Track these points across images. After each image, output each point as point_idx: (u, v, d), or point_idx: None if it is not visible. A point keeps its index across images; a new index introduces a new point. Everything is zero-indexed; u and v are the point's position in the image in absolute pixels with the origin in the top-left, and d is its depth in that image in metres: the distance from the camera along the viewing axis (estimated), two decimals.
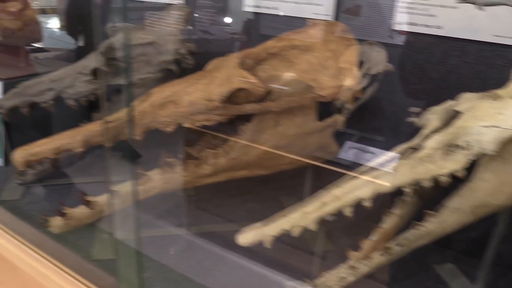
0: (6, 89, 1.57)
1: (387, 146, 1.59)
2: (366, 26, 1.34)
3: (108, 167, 1.22)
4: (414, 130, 1.45)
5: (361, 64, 1.25)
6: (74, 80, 1.38)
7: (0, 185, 1.51)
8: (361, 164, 1.57)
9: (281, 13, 1.37)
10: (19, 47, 1.91)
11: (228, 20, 1.46)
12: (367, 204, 0.91)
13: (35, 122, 1.53)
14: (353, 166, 1.53)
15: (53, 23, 2.27)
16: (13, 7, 1.59)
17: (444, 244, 1.18)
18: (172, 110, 1.11)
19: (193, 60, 1.41)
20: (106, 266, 1.16)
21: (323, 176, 1.38)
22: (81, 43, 2.05)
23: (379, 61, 1.26)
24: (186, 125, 1.13)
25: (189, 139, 1.26)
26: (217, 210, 1.43)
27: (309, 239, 1.20)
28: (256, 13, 1.42)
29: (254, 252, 1.29)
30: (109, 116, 1.43)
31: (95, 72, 1.37)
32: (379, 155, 1.59)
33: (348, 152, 1.42)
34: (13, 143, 1.58)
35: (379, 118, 1.54)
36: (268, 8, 1.39)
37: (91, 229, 1.26)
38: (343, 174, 1.16)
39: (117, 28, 2.02)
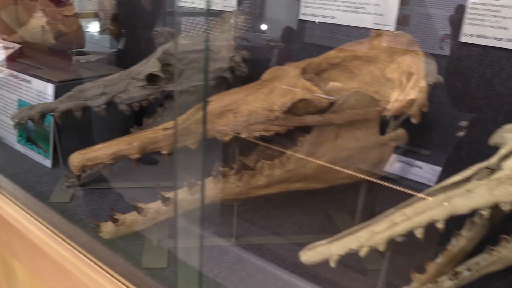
0: (57, 92, 1.59)
1: (434, 160, 1.53)
2: (416, 36, 1.29)
3: (161, 173, 1.22)
4: (462, 144, 1.38)
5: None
6: (127, 85, 1.38)
7: (48, 187, 1.52)
8: (409, 179, 1.52)
9: (339, 23, 1.34)
10: (64, 51, 1.94)
11: (283, 28, 1.44)
12: (440, 226, 0.86)
13: (80, 124, 1.54)
14: (400, 180, 1.48)
15: (92, 27, 2.30)
16: (69, 11, 1.60)
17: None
18: (230, 119, 1.09)
19: (247, 68, 1.38)
20: (156, 275, 1.14)
21: (374, 191, 1.34)
22: (121, 46, 2.06)
23: (430, 72, 1.21)
24: (244, 135, 1.10)
25: (243, 149, 1.23)
26: (264, 221, 1.40)
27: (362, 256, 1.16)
28: (311, 22, 1.39)
29: (304, 268, 1.25)
30: (165, 122, 1.42)
31: (149, 78, 1.37)
32: (427, 169, 1.53)
33: (395, 165, 1.37)
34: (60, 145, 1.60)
35: (427, 130, 1.48)
36: (325, 17, 1.36)
37: (141, 236, 1.25)
38: (395, 189, 1.11)
39: (161, 33, 2.03)
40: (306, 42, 1.44)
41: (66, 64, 1.96)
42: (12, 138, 1.80)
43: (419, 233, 0.86)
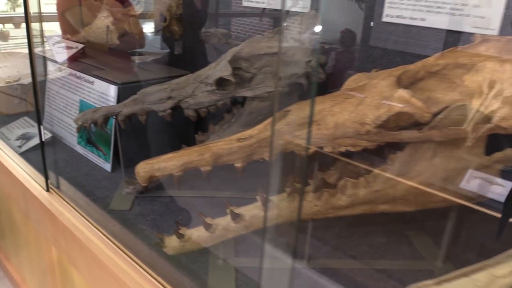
0: (120, 94, 1.54)
1: None
2: None
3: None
4: None
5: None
6: (195, 90, 1.30)
7: (108, 192, 1.46)
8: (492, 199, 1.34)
9: (430, 26, 1.20)
10: (124, 51, 1.90)
11: (363, 31, 1.31)
12: None
13: (141, 128, 1.47)
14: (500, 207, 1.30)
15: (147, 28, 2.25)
16: (135, 11, 1.55)
17: None
18: (313, 132, 0.97)
19: (324, 73, 1.27)
20: None
21: (464, 214, 1.18)
22: (177, 48, 1.99)
23: None
24: (327, 149, 0.99)
25: (322, 164, 1.12)
26: (336, 241, 1.27)
27: None
28: (396, 25, 1.26)
29: None
30: (233, 129, 1.33)
31: (219, 82, 1.28)
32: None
33: (497, 190, 1.20)
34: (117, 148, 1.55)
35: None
36: (413, 19, 1.22)
37: (206, 251, 1.16)
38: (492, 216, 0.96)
39: (211, 33, 1.95)
40: (388, 47, 1.30)
41: (127, 64, 1.92)
42: (72, 139, 1.77)
43: None
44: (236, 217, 1.07)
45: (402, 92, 0.93)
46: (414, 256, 1.25)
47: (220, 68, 1.27)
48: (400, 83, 0.98)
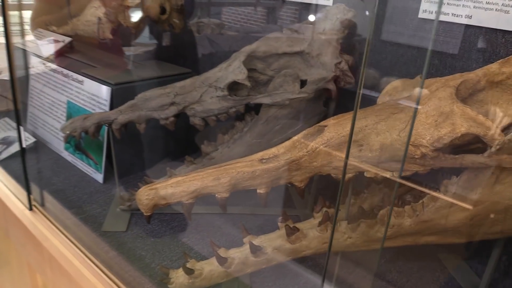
0: (113, 96, 1.35)
1: None
2: None
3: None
4: None
5: None
6: (203, 95, 1.12)
7: (101, 208, 1.28)
8: None
9: (475, 24, 1.03)
10: (117, 45, 1.70)
11: (397, 28, 1.14)
12: None
13: (136, 135, 1.28)
14: None
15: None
16: (131, 2, 1.36)
17: None
18: (354, 154, 0.81)
19: (354, 78, 1.10)
20: None
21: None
22: (166, 40, 1.80)
23: None
24: (369, 174, 0.82)
25: (357, 187, 0.96)
26: (363, 267, 1.12)
27: None
28: (437, 22, 1.09)
29: None
30: (245, 140, 1.16)
31: (231, 87, 1.10)
32: None
33: None
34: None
35: None
36: (456, 16, 1.06)
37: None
38: None
39: (203, 24, 1.75)
40: (425, 46, 1.14)
41: (120, 61, 1.72)
42: (59, 144, 1.58)
43: None
44: (256, 250, 0.91)
45: (465, 108, 0.76)
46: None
47: (233, 70, 1.09)
48: (458, 95, 0.81)
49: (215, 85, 1.11)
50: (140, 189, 0.86)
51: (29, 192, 1.22)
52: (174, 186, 0.85)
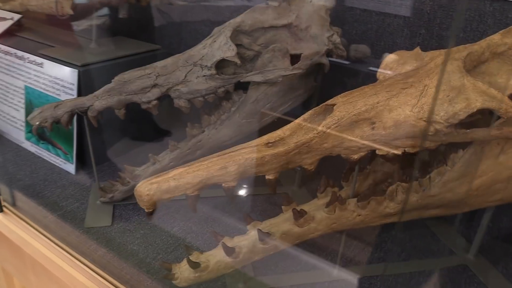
0: (81, 79, 1.23)
1: None
2: None
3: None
4: None
5: None
6: (188, 74, 1.04)
7: (78, 202, 1.18)
8: None
9: None
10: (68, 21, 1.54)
11: None
12: None
13: (109, 118, 1.18)
14: None
15: None
16: None
17: None
18: (366, 132, 0.78)
19: (345, 50, 1.06)
20: None
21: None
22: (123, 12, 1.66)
23: None
24: (381, 152, 0.80)
25: (360, 163, 0.93)
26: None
27: None
28: None
29: None
30: (233, 120, 1.10)
31: (218, 65, 1.03)
32: None
33: None
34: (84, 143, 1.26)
35: None
36: None
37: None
38: None
39: None
40: (413, 21, 1.11)
41: (79, 39, 1.56)
42: (18, 134, 1.43)
43: None
44: (264, 237, 0.87)
45: (478, 83, 0.75)
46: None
47: (219, 46, 1.02)
48: (464, 67, 0.80)
49: (200, 64, 1.03)
50: (140, 184, 0.79)
51: None
52: (178, 178, 0.78)
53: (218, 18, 1.49)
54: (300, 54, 1.05)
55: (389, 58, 0.92)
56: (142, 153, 1.45)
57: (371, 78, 0.93)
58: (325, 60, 1.02)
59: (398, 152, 0.80)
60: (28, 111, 1.38)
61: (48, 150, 1.36)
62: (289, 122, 1.20)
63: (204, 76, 1.03)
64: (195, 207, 0.81)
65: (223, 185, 0.80)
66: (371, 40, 1.19)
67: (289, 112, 1.13)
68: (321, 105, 0.83)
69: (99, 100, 1.04)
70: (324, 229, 0.90)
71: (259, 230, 0.87)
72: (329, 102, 0.82)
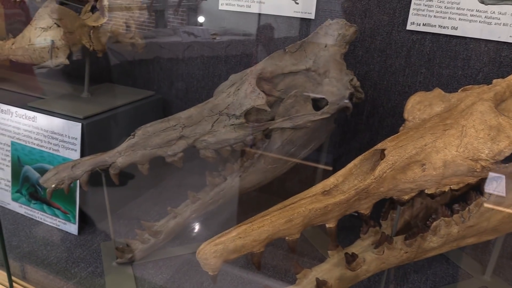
0: (86, 131, 1.15)
1: None
2: None
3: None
4: None
5: None
6: (214, 124, 1.02)
7: (91, 267, 1.09)
8: None
9: (461, 35, 1.12)
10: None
11: (381, 41, 1.17)
12: None
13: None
14: None
15: None
16: (95, 20, 1.16)
17: None
18: (418, 174, 0.82)
19: (363, 93, 1.11)
20: None
21: None
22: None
23: None
24: (430, 191, 0.84)
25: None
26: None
27: None
28: (421, 34, 1.15)
29: None
30: (256, 167, 1.09)
31: (248, 113, 1.02)
32: None
33: None
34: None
35: None
36: (442, 27, 1.13)
37: None
38: None
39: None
40: (415, 61, 1.19)
41: (65, 88, 1.46)
42: (3, 194, 1.29)
43: None
44: (322, 285, 0.87)
45: (510, 120, 0.83)
46: None
47: (246, 95, 1.01)
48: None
49: (226, 113, 1.02)
50: (202, 247, 0.75)
51: (9, 272, 0.98)
52: (243, 236, 0.76)
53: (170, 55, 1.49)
54: (321, 98, 1.08)
55: (413, 100, 0.97)
56: (144, 204, 1.39)
57: None
58: (349, 104, 1.06)
59: (445, 189, 0.85)
60: (15, 169, 1.27)
61: (43, 211, 1.25)
62: (310, 165, 1.22)
63: (232, 125, 1.02)
64: (259, 264, 0.79)
65: (287, 238, 0.79)
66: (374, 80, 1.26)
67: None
68: (370, 150, 0.85)
69: (122, 157, 0.98)
70: (374, 270, 0.91)
71: (318, 279, 0.87)
72: (378, 146, 0.85)
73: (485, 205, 0.90)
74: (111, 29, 1.18)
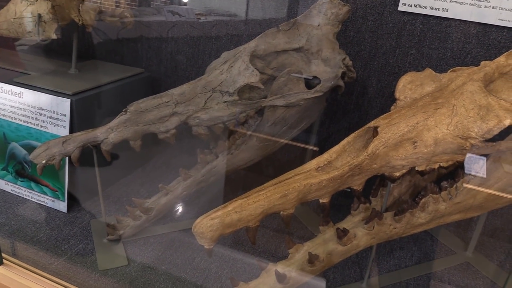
0: (75, 108, 1.14)
1: None
2: None
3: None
4: None
5: None
6: (207, 101, 1.02)
7: (82, 244, 1.09)
8: None
9: (452, 17, 1.14)
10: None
11: (375, 22, 1.18)
12: None
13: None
14: None
15: None
16: None
17: None
18: (409, 151, 0.83)
19: (355, 72, 1.12)
20: None
21: None
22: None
23: None
24: (421, 168, 0.86)
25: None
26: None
27: None
28: (412, 15, 1.17)
29: None
30: (249, 144, 1.10)
31: (241, 91, 1.02)
32: None
33: None
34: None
35: None
36: (433, 9, 1.14)
37: None
38: None
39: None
40: (405, 42, 1.20)
41: (53, 64, 1.42)
42: None
43: None
44: (313, 259, 0.89)
45: (499, 101, 0.85)
46: None
47: (239, 72, 1.01)
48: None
49: (220, 90, 1.02)
50: (199, 221, 0.76)
51: None
52: (239, 211, 0.77)
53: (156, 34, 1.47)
54: (313, 77, 1.08)
55: (404, 80, 0.99)
56: (132, 183, 1.38)
57: None
58: (341, 83, 1.06)
59: (435, 166, 0.87)
60: (1, 146, 1.24)
61: (31, 188, 1.23)
62: (301, 144, 1.23)
63: (225, 102, 1.02)
64: (255, 239, 0.80)
65: (281, 213, 0.81)
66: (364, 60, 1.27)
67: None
68: (363, 128, 0.87)
69: (114, 133, 0.97)
70: (364, 244, 0.94)
71: (310, 253, 0.89)
72: (371, 124, 0.86)
73: (472, 182, 0.93)
74: (101, 4, 1.15)
